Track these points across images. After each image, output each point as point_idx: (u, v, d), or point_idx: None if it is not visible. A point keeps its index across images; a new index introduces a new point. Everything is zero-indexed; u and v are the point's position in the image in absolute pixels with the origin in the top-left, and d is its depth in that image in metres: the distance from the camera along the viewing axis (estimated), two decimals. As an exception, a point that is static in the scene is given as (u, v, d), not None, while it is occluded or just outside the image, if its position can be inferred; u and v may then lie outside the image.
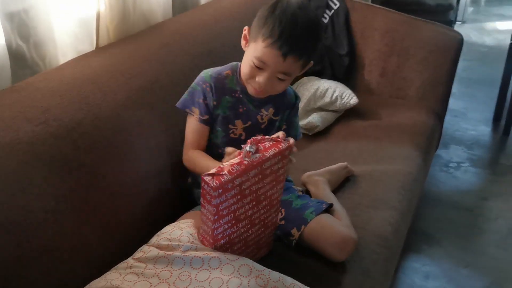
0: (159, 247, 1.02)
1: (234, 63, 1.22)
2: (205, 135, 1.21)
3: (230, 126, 1.20)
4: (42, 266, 0.95)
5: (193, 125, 1.20)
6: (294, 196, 1.26)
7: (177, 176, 1.30)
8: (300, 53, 1.09)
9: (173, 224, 1.08)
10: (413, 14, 2.13)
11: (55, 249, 0.98)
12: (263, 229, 1.11)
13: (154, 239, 1.05)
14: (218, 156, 1.17)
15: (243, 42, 1.17)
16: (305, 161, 1.58)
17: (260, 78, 1.11)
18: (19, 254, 0.92)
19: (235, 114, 1.20)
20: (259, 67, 1.10)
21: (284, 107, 1.25)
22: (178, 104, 1.21)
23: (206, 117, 1.19)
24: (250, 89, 1.17)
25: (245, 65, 1.14)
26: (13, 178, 0.93)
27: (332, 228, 1.17)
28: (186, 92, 1.21)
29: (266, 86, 1.13)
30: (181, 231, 1.04)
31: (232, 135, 1.21)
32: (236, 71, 1.20)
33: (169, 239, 1.02)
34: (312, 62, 1.16)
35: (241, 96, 1.20)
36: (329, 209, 1.25)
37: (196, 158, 1.19)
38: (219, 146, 1.21)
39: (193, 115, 1.19)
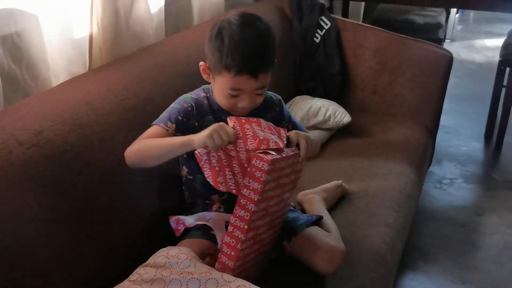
0: (155, 266, 1.01)
1: (205, 86, 1.23)
2: None
3: None
4: (34, 290, 0.94)
5: (159, 133, 1.13)
6: None
7: (172, 197, 1.30)
8: (268, 65, 1.11)
9: (170, 246, 1.08)
10: (403, 32, 2.16)
11: (48, 272, 0.97)
12: (271, 237, 1.13)
13: (151, 259, 1.04)
14: (203, 182, 1.17)
15: (204, 76, 1.18)
16: (300, 179, 1.58)
17: (242, 103, 1.13)
18: (11, 278, 0.90)
19: None
20: (235, 95, 1.12)
21: (263, 111, 1.24)
22: (155, 122, 1.16)
23: (179, 134, 1.15)
24: (235, 114, 1.18)
25: (221, 97, 1.15)
26: (5, 201, 0.92)
27: (320, 240, 1.18)
28: (164, 112, 1.18)
29: (250, 106, 1.15)
30: (178, 249, 1.04)
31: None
32: (209, 92, 1.21)
33: (167, 257, 1.02)
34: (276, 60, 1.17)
35: (219, 114, 1.20)
36: (319, 222, 1.26)
37: (154, 140, 1.11)
38: None
39: (166, 129, 1.13)
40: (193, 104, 1.18)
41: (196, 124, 1.18)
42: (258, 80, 1.10)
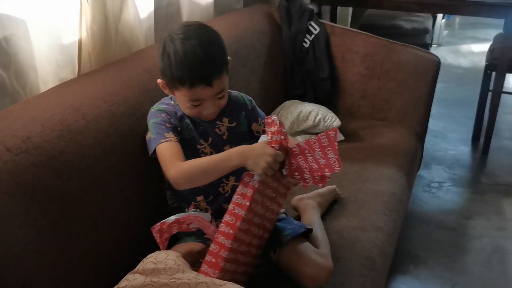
0: (144, 272, 1.00)
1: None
2: (183, 154, 1.15)
3: (198, 147, 1.21)
4: (23, 299, 0.92)
5: (170, 146, 1.14)
6: None
7: (162, 203, 1.29)
8: (218, 70, 1.12)
9: (158, 250, 1.07)
10: (391, 38, 2.18)
11: (37, 281, 0.96)
12: (261, 239, 1.14)
13: (140, 266, 1.03)
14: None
15: (166, 91, 1.20)
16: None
17: (206, 110, 1.16)
18: (-1, 288, 0.89)
19: (197, 134, 1.21)
20: (197, 105, 1.15)
21: (236, 111, 1.27)
22: (151, 148, 1.16)
23: (179, 137, 1.17)
24: (203, 119, 1.21)
25: (185, 109, 1.18)
26: (-7, 209, 0.91)
27: (306, 256, 1.16)
28: (150, 134, 1.17)
29: (214, 111, 1.18)
30: (166, 254, 1.03)
31: (202, 155, 1.21)
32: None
33: (155, 263, 1.01)
34: (229, 58, 1.18)
35: (193, 118, 1.21)
36: (308, 235, 1.24)
37: (196, 161, 1.11)
38: None
39: (169, 140, 1.14)
40: (168, 112, 1.20)
41: (179, 128, 1.19)
42: (213, 87, 1.12)
